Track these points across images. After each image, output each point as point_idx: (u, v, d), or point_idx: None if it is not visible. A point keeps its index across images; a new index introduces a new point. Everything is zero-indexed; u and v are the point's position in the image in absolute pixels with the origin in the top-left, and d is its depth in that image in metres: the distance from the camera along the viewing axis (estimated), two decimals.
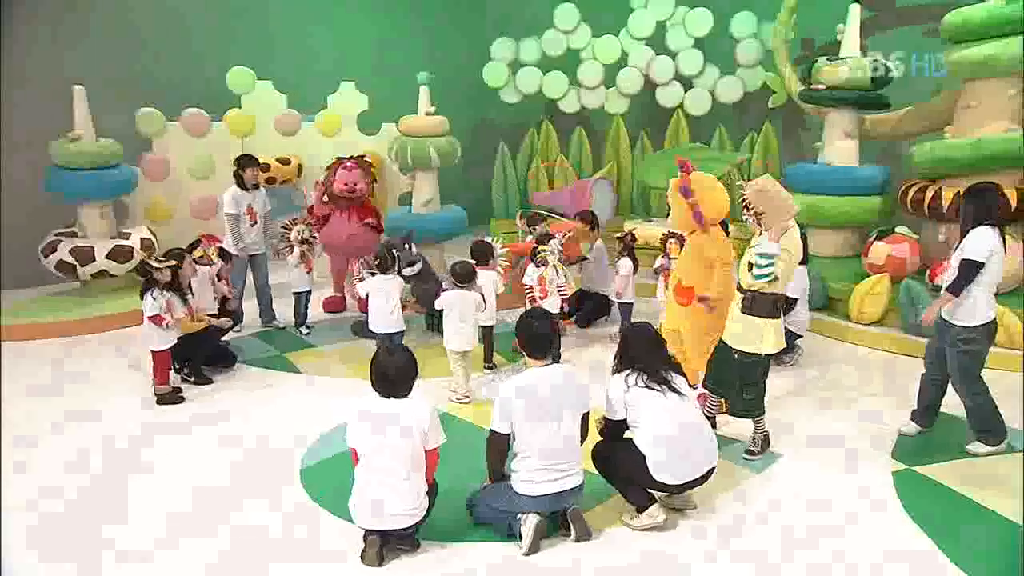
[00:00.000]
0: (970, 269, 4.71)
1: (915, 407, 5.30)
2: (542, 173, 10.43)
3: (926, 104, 8.40)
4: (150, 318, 5.55)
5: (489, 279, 6.16)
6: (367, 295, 5.91)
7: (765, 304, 4.73)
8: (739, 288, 4.89)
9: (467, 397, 5.72)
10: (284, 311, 7.60)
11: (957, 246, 4.94)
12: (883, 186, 8.43)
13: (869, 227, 8.07)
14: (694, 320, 5.56)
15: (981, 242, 4.72)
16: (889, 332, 7.06)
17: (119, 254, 7.85)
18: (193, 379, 6.04)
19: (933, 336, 5.18)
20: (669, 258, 7.05)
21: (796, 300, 6.27)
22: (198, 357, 6.07)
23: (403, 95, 9.07)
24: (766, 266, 4.55)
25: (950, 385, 5.08)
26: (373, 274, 5.86)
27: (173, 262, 5.66)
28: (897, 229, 7.51)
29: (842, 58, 8.28)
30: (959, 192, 7.27)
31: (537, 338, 3.87)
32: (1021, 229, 7.15)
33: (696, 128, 10.27)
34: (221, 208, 7.31)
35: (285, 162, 8.90)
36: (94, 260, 7.75)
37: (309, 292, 7.46)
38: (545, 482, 3.81)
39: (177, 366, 6.05)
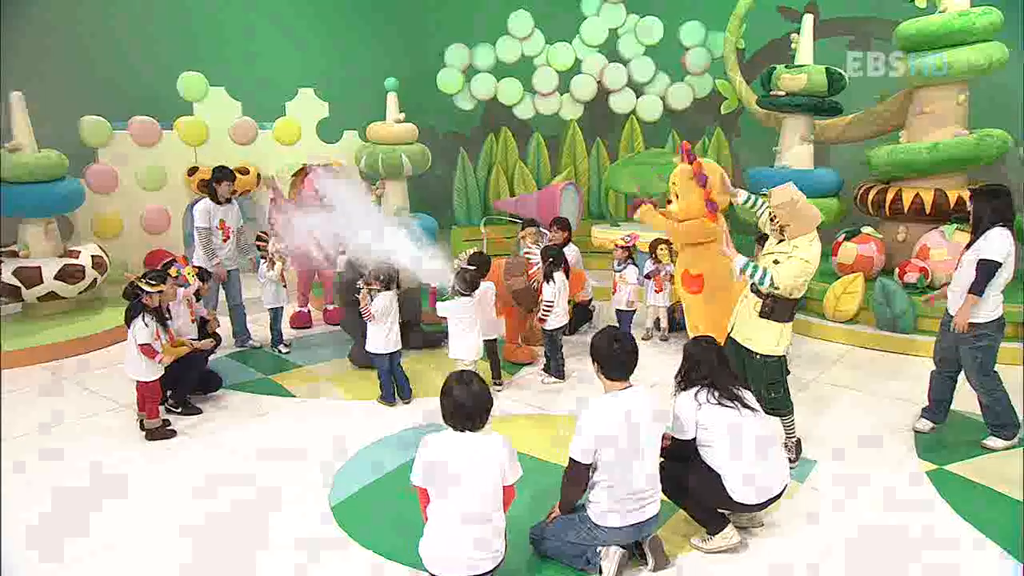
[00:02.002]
0: (990, 269, 4.64)
1: (926, 404, 5.23)
2: (502, 180, 10.02)
3: (872, 110, 8.50)
4: (141, 347, 4.84)
5: (488, 291, 5.72)
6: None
7: (785, 310, 4.57)
8: (756, 292, 4.67)
9: None
10: (252, 328, 6.94)
11: (969, 246, 4.86)
12: (838, 188, 8.49)
13: (833, 228, 8.07)
14: (713, 314, 5.35)
15: (1000, 243, 4.64)
16: (864, 329, 7.05)
17: (69, 274, 6.96)
18: (180, 410, 5.34)
19: (941, 335, 5.11)
20: (659, 263, 6.83)
21: None
22: (185, 385, 5.37)
23: (358, 102, 8.53)
24: (754, 274, 4.38)
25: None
26: (378, 291, 5.33)
27: (163, 286, 4.96)
28: (863, 229, 7.52)
29: (799, 66, 8.28)
30: (918, 193, 7.44)
31: (618, 358, 3.47)
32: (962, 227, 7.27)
33: (650, 134, 10.10)
34: (191, 222, 6.56)
35: (243, 172, 8.17)
36: (41, 282, 6.83)
37: (282, 308, 6.83)
38: (628, 512, 3.44)
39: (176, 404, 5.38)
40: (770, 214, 4.62)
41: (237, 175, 8.02)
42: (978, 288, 4.66)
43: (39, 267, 6.83)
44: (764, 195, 5.02)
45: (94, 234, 7.78)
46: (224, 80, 8.27)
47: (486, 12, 10.03)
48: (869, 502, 4.25)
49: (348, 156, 8.41)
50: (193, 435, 5.09)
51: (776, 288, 4.34)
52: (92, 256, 7.19)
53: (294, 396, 5.77)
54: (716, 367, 3.74)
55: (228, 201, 6.52)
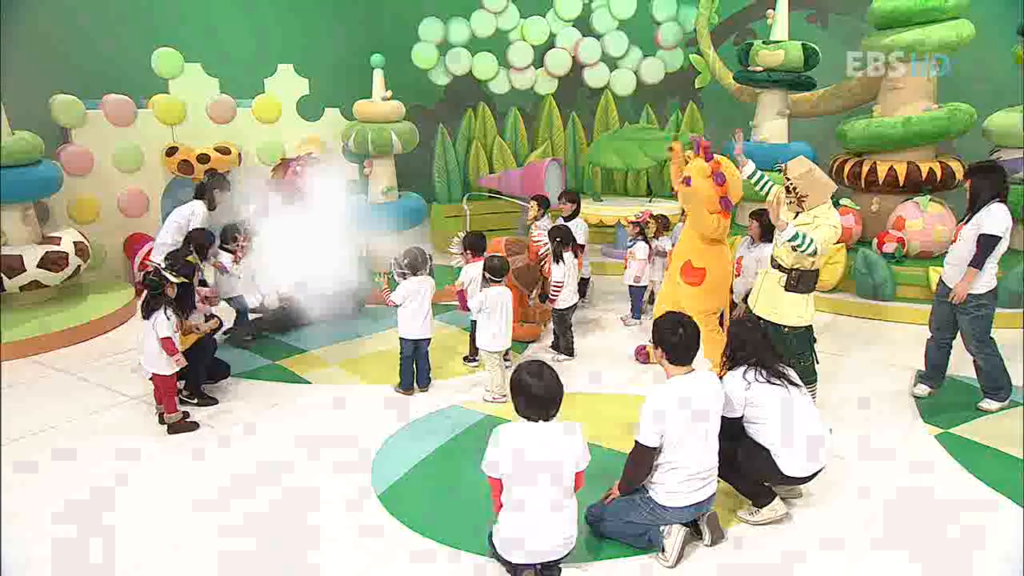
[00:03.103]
0: (991, 243, 4.81)
1: (922, 370, 5.46)
2: (482, 156, 9.88)
3: (842, 85, 8.68)
4: (163, 340, 4.63)
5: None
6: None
7: (808, 281, 4.72)
8: (779, 268, 4.79)
9: (504, 397, 5.26)
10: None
11: (966, 220, 5.02)
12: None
13: None
14: (700, 302, 5.45)
15: (999, 218, 4.81)
16: (846, 297, 7.28)
17: (52, 261, 6.58)
18: (196, 400, 5.15)
19: (937, 304, 5.30)
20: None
21: None
22: (198, 373, 5.17)
23: (335, 78, 8.25)
24: (803, 242, 4.48)
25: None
26: (404, 276, 5.20)
27: (183, 278, 4.74)
28: (842, 201, 7.71)
29: (776, 41, 8.36)
30: (892, 166, 7.66)
31: (684, 344, 3.48)
32: (935, 198, 7.55)
33: (624, 108, 10.10)
34: (189, 222, 6.24)
35: (225, 151, 7.84)
36: (24, 270, 6.45)
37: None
38: (691, 492, 3.49)
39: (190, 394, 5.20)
40: (788, 186, 4.71)
41: (218, 155, 7.80)
42: (979, 262, 4.83)
43: (20, 255, 6.44)
44: (776, 170, 5.10)
45: (70, 218, 7.38)
46: (200, 56, 7.88)
47: None
48: (890, 467, 4.41)
49: (333, 134, 8.18)
50: (215, 427, 4.92)
51: (815, 253, 4.44)
52: (74, 242, 6.81)
53: (308, 382, 5.63)
54: (762, 346, 3.81)
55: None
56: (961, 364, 5.36)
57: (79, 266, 6.82)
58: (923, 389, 5.41)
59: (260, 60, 8.32)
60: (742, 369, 3.77)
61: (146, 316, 4.68)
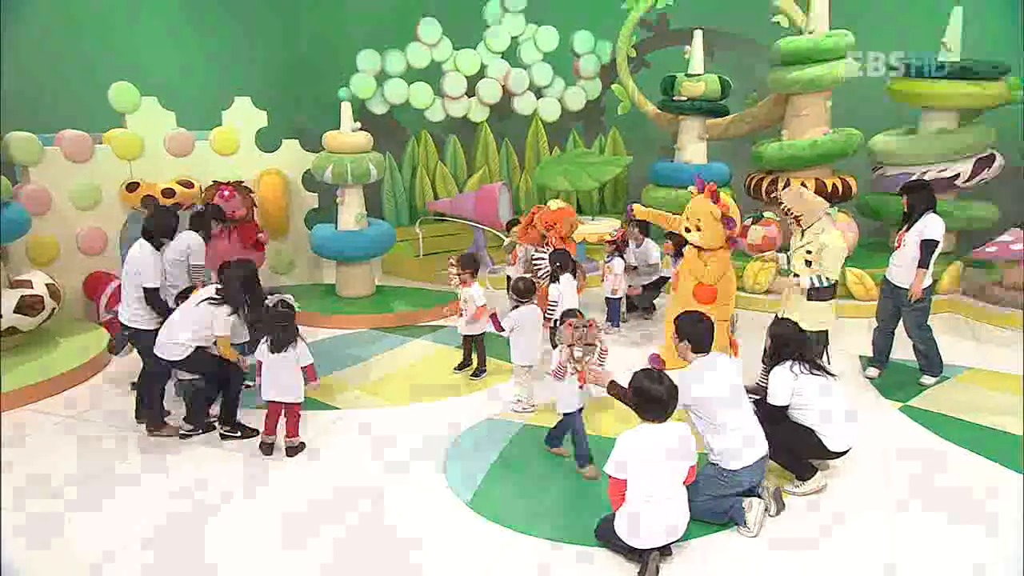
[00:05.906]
0: (932, 247, 5.71)
1: (871, 355, 6.32)
2: (426, 181, 10.08)
3: (747, 111, 9.68)
4: (309, 367, 4.94)
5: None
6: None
7: (827, 291, 5.44)
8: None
9: (533, 407, 5.56)
10: None
11: (906, 229, 5.89)
12: (728, 178, 9.59)
13: None
14: (713, 313, 6.08)
15: (938, 226, 5.72)
16: (778, 298, 8.12)
17: (29, 306, 6.16)
18: (240, 433, 5.10)
19: (883, 298, 6.16)
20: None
21: None
22: (233, 404, 5.14)
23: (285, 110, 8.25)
24: (820, 283, 5.25)
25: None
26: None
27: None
28: (765, 214, 8.60)
29: (696, 74, 9.21)
30: (803, 182, 8.64)
31: (704, 334, 4.11)
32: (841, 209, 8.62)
33: (552, 134, 10.66)
34: (185, 256, 5.93)
35: (188, 185, 7.60)
36: (0, 316, 6.00)
37: None
38: (750, 449, 4.01)
39: (191, 423, 5.14)
40: (784, 211, 5.40)
41: (182, 188, 7.56)
42: (925, 263, 5.71)
43: None
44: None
45: (29, 260, 6.89)
46: (156, 89, 7.59)
47: (396, 20, 9.91)
48: (878, 438, 5.10)
49: (295, 166, 8.15)
50: (276, 456, 4.89)
51: (831, 281, 5.17)
52: (46, 284, 6.39)
53: (336, 408, 5.65)
54: (803, 345, 4.41)
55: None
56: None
57: (54, 309, 6.41)
58: (873, 371, 6.26)
59: (216, 93, 8.11)
60: (788, 364, 4.35)
61: (278, 351, 4.74)
